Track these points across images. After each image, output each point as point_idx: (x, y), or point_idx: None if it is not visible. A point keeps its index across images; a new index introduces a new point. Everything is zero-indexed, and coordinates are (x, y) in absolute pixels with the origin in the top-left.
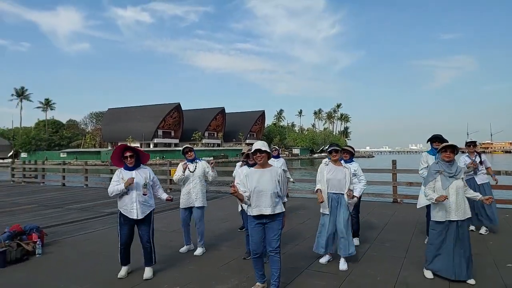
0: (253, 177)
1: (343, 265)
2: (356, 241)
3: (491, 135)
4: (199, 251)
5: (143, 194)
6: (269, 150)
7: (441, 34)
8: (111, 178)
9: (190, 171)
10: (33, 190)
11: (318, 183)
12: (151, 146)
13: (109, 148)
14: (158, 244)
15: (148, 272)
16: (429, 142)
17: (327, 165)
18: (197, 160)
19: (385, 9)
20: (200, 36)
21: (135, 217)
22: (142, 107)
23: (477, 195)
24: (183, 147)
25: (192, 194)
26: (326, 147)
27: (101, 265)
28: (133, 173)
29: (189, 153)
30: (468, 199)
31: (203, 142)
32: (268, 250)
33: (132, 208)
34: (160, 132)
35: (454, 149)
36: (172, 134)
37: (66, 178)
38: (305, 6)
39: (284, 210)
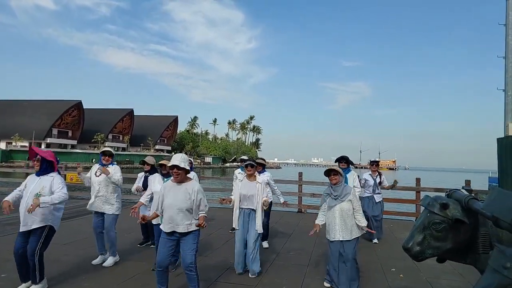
0: (168, 192)
1: (252, 272)
2: (265, 243)
3: (379, 153)
4: (109, 261)
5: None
6: (187, 168)
7: (343, 61)
8: None
9: (96, 176)
10: None
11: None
12: (43, 146)
13: None
14: (48, 259)
15: None
16: (337, 162)
17: (241, 180)
18: (109, 165)
19: (298, 32)
20: (110, 31)
21: (21, 230)
22: (35, 101)
23: (364, 224)
24: (104, 149)
25: (99, 199)
26: (243, 158)
27: None
28: (30, 180)
29: (106, 157)
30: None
31: (106, 145)
32: (183, 267)
33: (20, 216)
34: (55, 131)
35: (337, 172)
36: (70, 134)
37: None
38: (224, 17)
39: (196, 228)
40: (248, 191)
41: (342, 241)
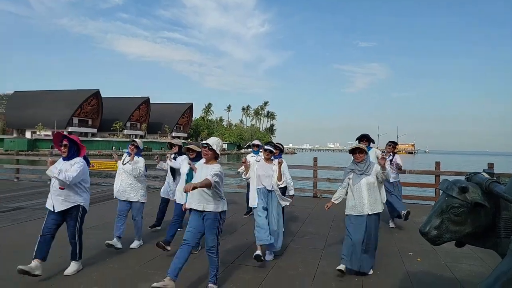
0: (198, 170)
1: (269, 256)
2: None
3: (397, 136)
4: (135, 243)
5: (59, 188)
6: (218, 151)
7: (359, 42)
8: (18, 169)
9: (122, 164)
10: None
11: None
12: None
13: (15, 135)
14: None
15: (70, 267)
16: (358, 141)
17: (258, 161)
18: (136, 156)
19: (311, 13)
20: (123, 19)
21: (50, 209)
22: (56, 91)
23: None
24: (132, 139)
25: (124, 187)
26: (254, 143)
27: (2, 268)
28: (59, 164)
29: (131, 147)
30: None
31: (125, 133)
32: (205, 249)
33: (49, 198)
34: (75, 120)
35: (362, 150)
36: (90, 123)
37: None
38: (236, 1)
39: (221, 210)
40: (265, 172)
41: (371, 215)
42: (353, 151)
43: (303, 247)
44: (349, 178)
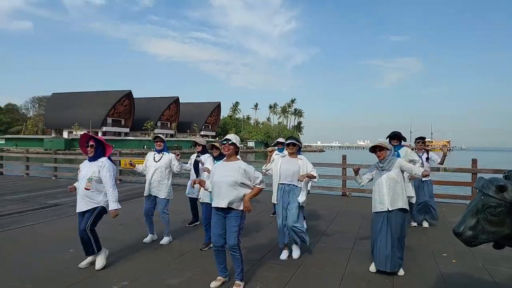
0: (218, 169)
1: (295, 252)
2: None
3: (431, 133)
4: (165, 240)
5: (85, 188)
6: (238, 144)
7: (390, 36)
8: (56, 167)
9: (154, 161)
10: None
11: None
12: (100, 134)
13: (53, 135)
14: (105, 237)
15: (98, 262)
16: (388, 138)
17: (283, 157)
18: (164, 152)
19: (339, 9)
20: (153, 21)
21: (77, 210)
22: (90, 93)
23: (420, 171)
24: (154, 136)
25: (153, 184)
26: (279, 141)
27: (43, 260)
28: (84, 165)
29: (158, 142)
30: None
31: (155, 132)
32: (227, 248)
33: (76, 200)
34: (109, 120)
35: (382, 148)
36: (123, 123)
37: (4, 166)
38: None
39: (240, 209)
40: (290, 167)
41: (391, 211)
42: (373, 150)
43: (331, 246)
44: (371, 172)
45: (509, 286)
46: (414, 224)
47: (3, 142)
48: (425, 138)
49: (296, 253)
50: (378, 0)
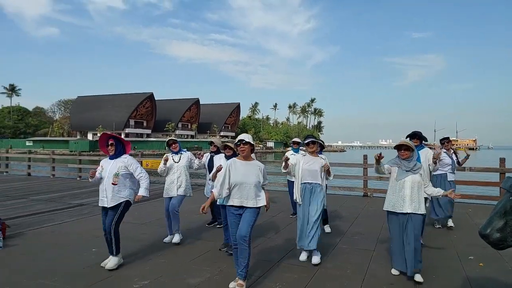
0: (236, 169)
1: (315, 258)
2: (327, 228)
3: (456, 132)
4: (176, 238)
5: (112, 184)
6: (252, 142)
7: (412, 33)
8: (80, 168)
9: (175, 162)
10: None
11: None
12: (122, 136)
13: (78, 137)
14: (127, 237)
15: (110, 261)
16: (408, 138)
17: (304, 155)
18: (182, 152)
19: (359, 6)
20: (174, 25)
21: (105, 205)
22: (113, 95)
23: (439, 192)
24: (168, 139)
25: (176, 184)
26: (294, 141)
27: (68, 258)
28: (106, 163)
29: (173, 145)
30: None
31: (177, 133)
32: (237, 238)
33: (103, 196)
34: (132, 122)
35: (409, 147)
36: (145, 124)
37: (31, 167)
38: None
39: (259, 205)
40: (312, 166)
41: (411, 214)
42: (399, 147)
43: (352, 247)
44: (391, 170)
45: None
46: (439, 226)
47: (31, 144)
48: (449, 137)
49: (316, 258)
50: None
